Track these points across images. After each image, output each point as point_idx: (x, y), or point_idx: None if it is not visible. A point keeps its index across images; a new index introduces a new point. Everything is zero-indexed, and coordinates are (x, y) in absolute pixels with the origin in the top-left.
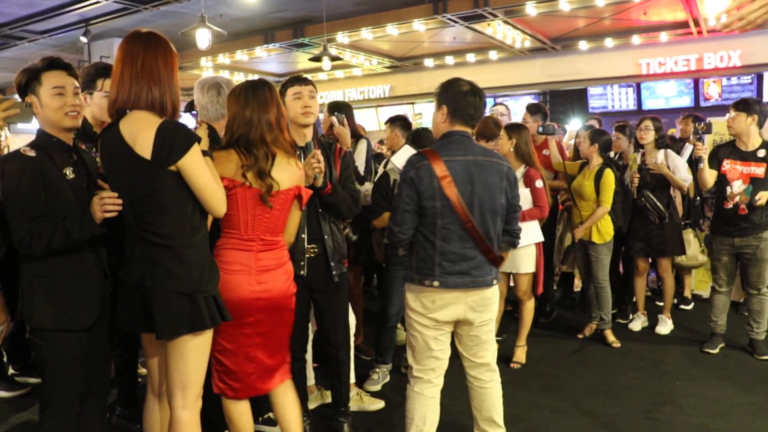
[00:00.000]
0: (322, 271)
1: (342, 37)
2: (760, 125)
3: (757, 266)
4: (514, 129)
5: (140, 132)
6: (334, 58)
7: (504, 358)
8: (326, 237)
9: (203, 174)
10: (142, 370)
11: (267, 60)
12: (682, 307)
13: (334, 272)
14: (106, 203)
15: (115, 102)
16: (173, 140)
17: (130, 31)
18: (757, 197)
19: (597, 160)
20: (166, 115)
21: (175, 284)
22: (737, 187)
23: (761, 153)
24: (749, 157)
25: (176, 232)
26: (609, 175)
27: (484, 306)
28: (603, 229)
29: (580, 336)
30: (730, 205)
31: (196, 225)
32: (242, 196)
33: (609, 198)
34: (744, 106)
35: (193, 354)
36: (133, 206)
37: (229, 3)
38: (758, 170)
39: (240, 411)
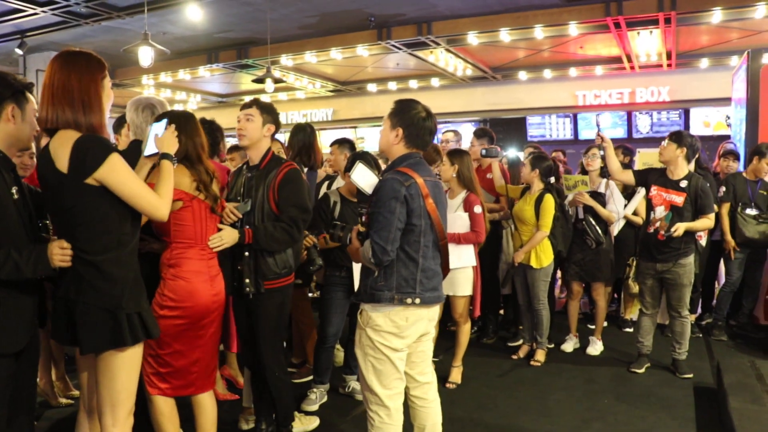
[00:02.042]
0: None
1: (286, 59)
2: (689, 159)
3: (677, 291)
4: (456, 155)
5: (60, 148)
6: (277, 81)
7: (440, 378)
8: (246, 254)
9: (126, 182)
10: (75, 392)
11: (210, 80)
12: (626, 330)
13: (246, 289)
14: (68, 255)
15: (40, 122)
16: (86, 153)
17: (68, 46)
18: (673, 229)
19: (538, 185)
20: (83, 133)
21: (97, 299)
22: (659, 212)
23: (683, 183)
24: (673, 185)
25: (100, 247)
26: (549, 200)
27: (435, 319)
28: (541, 254)
29: (515, 357)
30: (651, 230)
31: (124, 239)
32: (197, 208)
33: (548, 223)
34: (677, 137)
35: (122, 371)
36: (59, 221)
37: (174, 21)
38: (678, 199)
39: (171, 411)
